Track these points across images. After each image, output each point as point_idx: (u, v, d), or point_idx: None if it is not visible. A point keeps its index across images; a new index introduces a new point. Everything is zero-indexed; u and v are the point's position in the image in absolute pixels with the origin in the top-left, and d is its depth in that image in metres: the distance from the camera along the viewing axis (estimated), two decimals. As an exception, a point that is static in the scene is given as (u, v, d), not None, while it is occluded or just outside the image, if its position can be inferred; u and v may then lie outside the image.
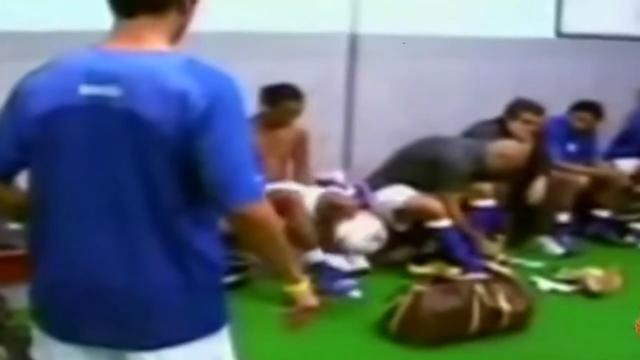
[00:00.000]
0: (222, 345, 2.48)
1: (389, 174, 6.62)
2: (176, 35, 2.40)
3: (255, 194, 2.30)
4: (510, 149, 6.64)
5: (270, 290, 6.02)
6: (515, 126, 7.11)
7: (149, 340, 2.34)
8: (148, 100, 2.21)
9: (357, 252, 6.25)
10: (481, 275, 5.79)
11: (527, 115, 7.13)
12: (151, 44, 2.31)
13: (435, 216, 6.39)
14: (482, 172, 6.53)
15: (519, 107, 7.15)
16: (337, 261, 6.08)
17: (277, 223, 2.38)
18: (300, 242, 5.79)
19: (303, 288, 2.52)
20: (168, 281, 2.30)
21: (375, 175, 6.69)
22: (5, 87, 2.44)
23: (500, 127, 7.11)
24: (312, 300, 2.55)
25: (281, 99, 6.14)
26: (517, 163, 6.61)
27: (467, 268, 6.20)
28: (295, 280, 2.50)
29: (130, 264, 2.29)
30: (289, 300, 2.55)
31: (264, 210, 2.33)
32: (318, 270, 5.91)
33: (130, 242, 2.28)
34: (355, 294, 5.97)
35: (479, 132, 7.02)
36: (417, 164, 6.53)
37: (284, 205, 5.88)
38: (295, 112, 6.20)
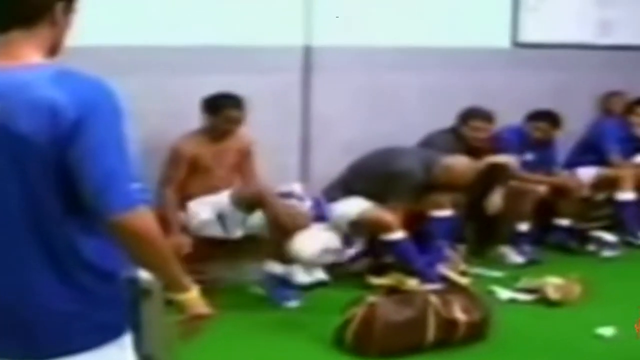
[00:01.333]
0: (122, 354, 2.47)
1: (345, 186, 6.63)
2: (52, 48, 2.40)
3: (129, 203, 2.29)
4: (457, 164, 6.65)
5: (227, 303, 6.01)
6: (467, 134, 7.12)
7: (39, 351, 2.34)
8: (20, 114, 2.22)
9: (310, 264, 6.23)
10: (436, 286, 5.78)
11: (477, 123, 7.15)
12: (24, 58, 2.31)
13: (388, 229, 6.37)
14: (433, 183, 6.54)
15: (468, 116, 7.17)
16: (280, 269, 6.06)
17: (157, 233, 2.35)
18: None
19: (192, 296, 2.53)
20: (53, 291, 2.31)
21: (332, 187, 6.70)
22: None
23: (454, 136, 7.12)
24: (202, 309, 2.56)
25: (221, 108, 6.15)
26: (464, 179, 6.63)
27: (423, 279, 6.18)
28: (183, 289, 2.50)
29: (15, 276, 2.30)
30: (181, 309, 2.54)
31: (141, 219, 2.31)
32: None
33: (16, 254, 2.30)
34: (292, 304, 6.01)
35: (433, 141, 7.03)
36: (372, 175, 6.54)
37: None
38: (237, 120, 6.19)
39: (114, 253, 2.39)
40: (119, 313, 2.46)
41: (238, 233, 6.14)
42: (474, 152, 7.10)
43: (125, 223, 2.27)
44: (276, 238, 6.04)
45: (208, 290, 6.06)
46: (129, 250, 2.35)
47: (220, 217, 6.09)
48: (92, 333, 2.37)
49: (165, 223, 6.02)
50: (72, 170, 2.24)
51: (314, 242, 6.16)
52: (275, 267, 6.05)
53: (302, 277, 6.28)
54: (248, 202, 6.08)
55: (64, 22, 2.40)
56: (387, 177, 6.45)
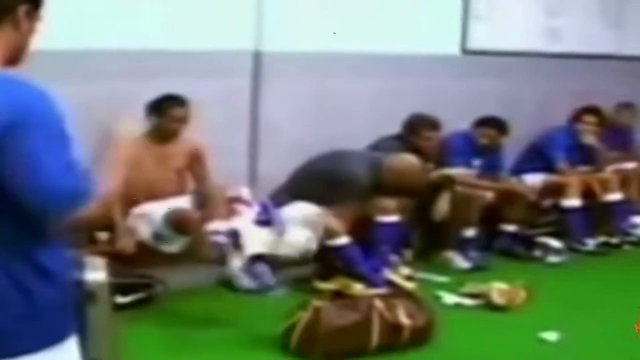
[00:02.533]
0: (67, 357, 2.45)
1: (292, 190, 6.61)
2: (13, 53, 2.35)
3: (72, 199, 2.28)
4: (404, 164, 6.63)
5: (174, 307, 6.04)
6: (413, 141, 7.17)
7: None
8: None
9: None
10: (381, 290, 5.81)
11: (423, 131, 7.19)
12: None
13: (333, 234, 6.41)
14: (381, 186, 6.56)
15: (414, 123, 7.21)
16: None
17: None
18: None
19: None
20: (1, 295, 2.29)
21: (279, 191, 6.68)
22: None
23: (401, 143, 7.16)
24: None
25: (166, 108, 6.14)
26: (412, 179, 6.59)
27: (369, 283, 6.20)
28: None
29: None
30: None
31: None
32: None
33: None
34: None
35: (380, 148, 7.06)
36: (317, 179, 6.54)
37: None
38: (182, 120, 6.18)
39: (60, 255, 2.39)
40: (64, 316, 2.44)
41: (173, 249, 6.09)
42: (420, 158, 7.15)
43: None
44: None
45: (155, 294, 6.15)
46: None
47: (156, 236, 6.04)
48: (36, 336, 2.34)
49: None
50: (7, 174, 2.20)
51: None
52: (223, 274, 6.00)
53: (247, 282, 6.27)
54: (178, 225, 6.02)
55: (27, 27, 2.35)
56: (333, 181, 6.45)
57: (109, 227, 6.08)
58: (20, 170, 2.20)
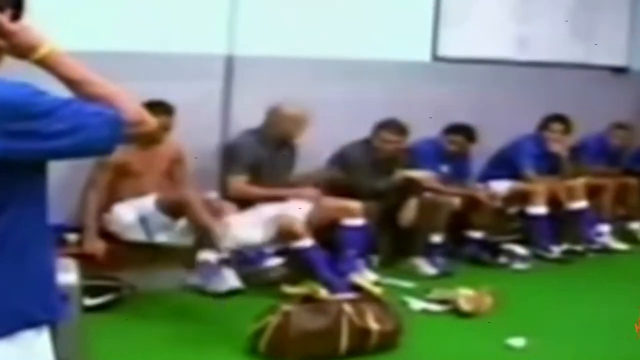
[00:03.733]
0: (39, 339, 2.44)
1: None
2: None
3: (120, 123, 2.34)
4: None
5: (142, 310, 6.04)
6: (378, 145, 7.23)
7: None
8: None
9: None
10: (350, 295, 5.83)
11: (388, 135, 7.24)
12: None
13: (296, 236, 6.44)
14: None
15: (380, 127, 7.26)
16: (195, 279, 6.11)
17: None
18: None
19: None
20: None
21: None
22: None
23: (367, 147, 7.22)
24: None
25: (152, 115, 6.12)
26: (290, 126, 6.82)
27: (330, 288, 6.20)
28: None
29: None
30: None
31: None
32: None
33: None
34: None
35: (347, 153, 7.13)
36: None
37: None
38: (165, 127, 6.19)
39: (43, 243, 2.42)
40: (37, 299, 2.43)
41: (161, 238, 6.12)
42: (386, 163, 7.20)
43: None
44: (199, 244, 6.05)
45: (124, 297, 6.15)
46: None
47: (143, 221, 6.07)
48: (6, 318, 2.35)
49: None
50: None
51: (254, 228, 6.26)
52: (191, 277, 6.03)
53: (216, 285, 6.30)
54: (173, 208, 6.07)
55: (10, 33, 2.36)
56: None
57: (79, 229, 6.10)
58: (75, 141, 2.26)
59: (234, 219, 6.25)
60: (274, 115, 6.71)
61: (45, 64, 2.36)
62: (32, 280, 2.40)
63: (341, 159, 7.18)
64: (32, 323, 2.40)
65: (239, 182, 6.57)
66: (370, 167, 7.13)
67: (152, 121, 2.47)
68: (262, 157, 6.62)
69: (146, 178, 6.28)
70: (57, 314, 2.50)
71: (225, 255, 6.20)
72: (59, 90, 2.32)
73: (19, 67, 2.39)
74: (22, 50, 2.35)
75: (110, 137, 2.33)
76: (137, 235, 6.13)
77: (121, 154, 6.06)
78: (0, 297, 2.35)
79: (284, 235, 6.47)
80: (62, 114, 2.24)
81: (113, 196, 6.21)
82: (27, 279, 2.38)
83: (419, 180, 7.35)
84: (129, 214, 6.12)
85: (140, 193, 6.21)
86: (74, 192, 6.21)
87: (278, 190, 6.68)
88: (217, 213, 6.13)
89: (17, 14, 2.39)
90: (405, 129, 7.29)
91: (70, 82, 2.37)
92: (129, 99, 2.41)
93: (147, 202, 6.13)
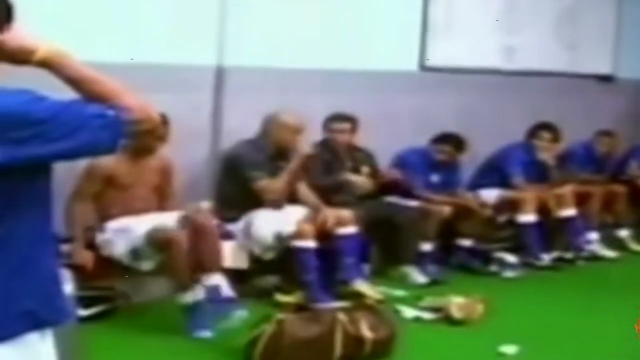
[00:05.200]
0: (43, 343, 2.46)
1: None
2: None
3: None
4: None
5: (135, 320, 6.04)
6: (330, 137, 7.36)
7: None
8: None
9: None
10: (343, 304, 5.84)
11: (334, 124, 7.35)
12: None
13: (301, 235, 6.46)
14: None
15: (327, 120, 7.37)
16: (190, 298, 5.88)
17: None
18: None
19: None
20: None
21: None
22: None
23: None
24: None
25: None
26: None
27: (310, 295, 6.21)
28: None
29: None
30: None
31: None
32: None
33: None
34: (204, 334, 5.81)
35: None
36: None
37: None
38: (161, 138, 6.17)
39: (43, 243, 2.45)
40: (43, 300, 2.45)
41: (148, 267, 6.07)
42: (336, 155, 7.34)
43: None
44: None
45: (117, 307, 6.13)
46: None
47: (134, 252, 6.02)
48: (13, 320, 2.37)
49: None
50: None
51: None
52: (186, 297, 5.93)
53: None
54: (161, 244, 6.00)
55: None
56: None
57: (69, 239, 6.07)
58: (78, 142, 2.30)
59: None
60: (271, 124, 6.70)
61: (47, 65, 2.37)
62: (38, 281, 2.42)
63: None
64: (38, 324, 2.41)
65: (264, 182, 6.53)
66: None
67: (156, 116, 2.47)
68: (261, 166, 6.59)
69: (134, 191, 6.20)
70: (63, 315, 2.52)
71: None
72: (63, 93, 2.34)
73: (21, 73, 2.42)
74: (20, 56, 2.37)
75: (113, 137, 2.35)
76: (126, 262, 6.07)
77: (110, 164, 6.04)
78: (7, 299, 2.36)
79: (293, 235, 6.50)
80: (63, 118, 2.28)
81: (100, 208, 6.15)
82: (33, 281, 2.40)
83: (356, 185, 7.35)
84: (120, 245, 6.03)
85: (129, 207, 6.13)
86: (61, 202, 6.17)
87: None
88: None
89: (7, 22, 2.41)
90: (350, 116, 7.34)
91: (74, 82, 2.38)
92: (133, 95, 2.41)
93: (139, 230, 6.05)
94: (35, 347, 2.42)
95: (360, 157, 7.47)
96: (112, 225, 6.08)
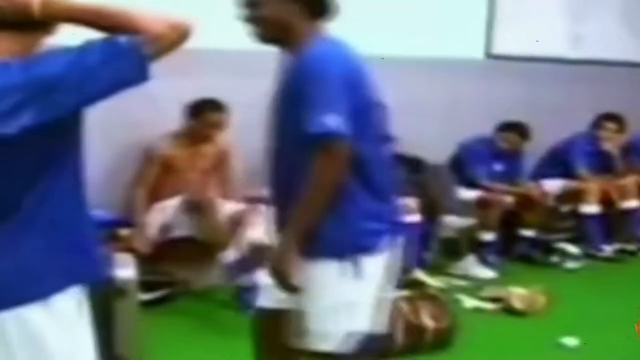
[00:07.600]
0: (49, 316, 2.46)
1: None
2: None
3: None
4: None
5: (193, 307, 6.10)
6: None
7: None
8: None
9: None
10: (405, 292, 5.84)
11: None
12: None
13: None
14: None
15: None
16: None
17: None
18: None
19: None
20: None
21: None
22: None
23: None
24: None
25: (203, 111, 6.18)
26: None
27: None
28: None
29: None
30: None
31: None
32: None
33: None
34: None
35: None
36: None
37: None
38: (217, 125, 6.22)
39: (80, 200, 2.50)
40: (80, 257, 2.50)
41: (182, 233, 6.15)
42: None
43: None
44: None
45: (177, 292, 6.18)
46: None
47: (164, 226, 6.09)
48: (53, 277, 2.41)
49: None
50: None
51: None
52: (228, 255, 5.96)
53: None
54: (193, 208, 6.06)
55: None
56: None
57: (130, 223, 6.14)
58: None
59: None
60: None
61: (51, 14, 2.35)
62: (77, 237, 2.47)
63: None
64: (77, 279, 2.46)
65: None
66: None
67: (182, 26, 2.44)
68: None
69: (189, 175, 6.27)
70: (100, 271, 2.59)
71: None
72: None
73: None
74: (20, 15, 2.33)
75: (133, 64, 2.33)
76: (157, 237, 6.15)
77: (167, 149, 6.12)
78: (48, 253, 2.40)
79: None
80: (79, 67, 2.28)
81: (155, 192, 6.23)
82: (72, 236, 2.45)
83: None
84: (156, 220, 6.12)
85: (179, 190, 6.19)
86: (120, 185, 6.26)
87: None
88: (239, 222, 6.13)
89: None
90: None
91: (86, 24, 2.35)
92: (151, 14, 2.38)
93: (172, 206, 6.15)
94: (70, 317, 2.45)
95: None
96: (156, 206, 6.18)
